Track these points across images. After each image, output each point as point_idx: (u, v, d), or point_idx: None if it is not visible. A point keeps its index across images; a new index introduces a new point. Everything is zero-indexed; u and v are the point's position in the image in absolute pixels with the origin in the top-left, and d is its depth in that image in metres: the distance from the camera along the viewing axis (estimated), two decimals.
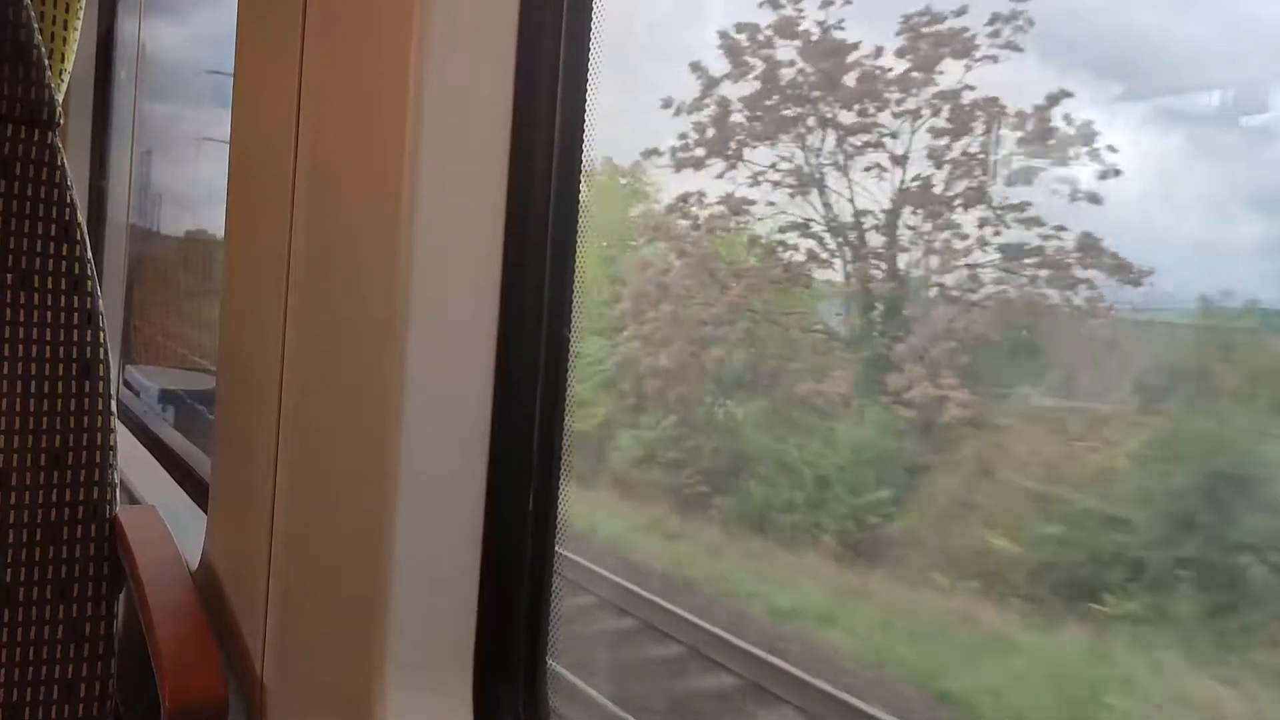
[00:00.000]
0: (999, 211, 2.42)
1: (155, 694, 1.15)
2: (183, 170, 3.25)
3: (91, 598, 1.36)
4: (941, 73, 2.55)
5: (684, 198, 3.16)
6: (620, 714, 2.56)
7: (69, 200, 1.40)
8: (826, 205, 2.83)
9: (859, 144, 2.77)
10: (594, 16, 0.95)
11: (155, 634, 1.20)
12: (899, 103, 2.68)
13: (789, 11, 2.93)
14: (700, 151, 3.06)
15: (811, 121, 2.89)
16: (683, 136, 3.06)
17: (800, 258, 2.90)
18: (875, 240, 2.74)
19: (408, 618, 0.93)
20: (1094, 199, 2.21)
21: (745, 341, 3.09)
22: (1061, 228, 2.27)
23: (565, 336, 0.97)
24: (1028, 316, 2.39)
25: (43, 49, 1.40)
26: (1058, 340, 2.37)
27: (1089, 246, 2.23)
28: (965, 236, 2.48)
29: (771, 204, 2.95)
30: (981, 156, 2.47)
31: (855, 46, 2.76)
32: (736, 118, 3.02)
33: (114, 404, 1.42)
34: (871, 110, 2.75)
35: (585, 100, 0.96)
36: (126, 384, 2.86)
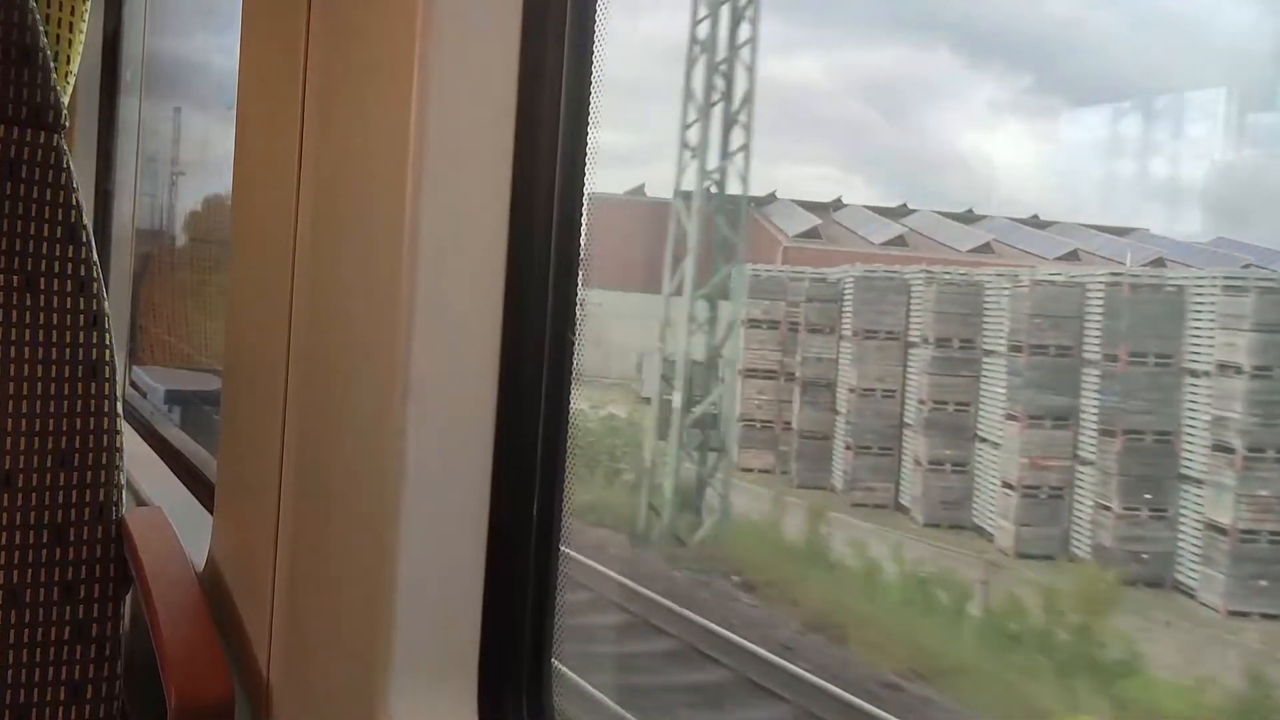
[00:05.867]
0: None
1: (162, 695, 1.16)
2: None
3: (98, 598, 1.37)
4: None
5: None
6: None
7: (75, 202, 1.40)
8: None
9: None
10: (597, 19, 0.96)
11: (161, 635, 1.20)
12: None
13: None
14: None
15: None
16: None
17: None
18: None
19: (413, 619, 0.93)
20: None
21: None
22: None
23: (569, 339, 0.97)
24: None
25: (48, 51, 1.40)
26: None
27: None
28: None
29: None
30: None
31: None
32: None
33: (120, 405, 1.42)
34: None
35: (590, 101, 0.96)
36: (133, 385, 2.86)
